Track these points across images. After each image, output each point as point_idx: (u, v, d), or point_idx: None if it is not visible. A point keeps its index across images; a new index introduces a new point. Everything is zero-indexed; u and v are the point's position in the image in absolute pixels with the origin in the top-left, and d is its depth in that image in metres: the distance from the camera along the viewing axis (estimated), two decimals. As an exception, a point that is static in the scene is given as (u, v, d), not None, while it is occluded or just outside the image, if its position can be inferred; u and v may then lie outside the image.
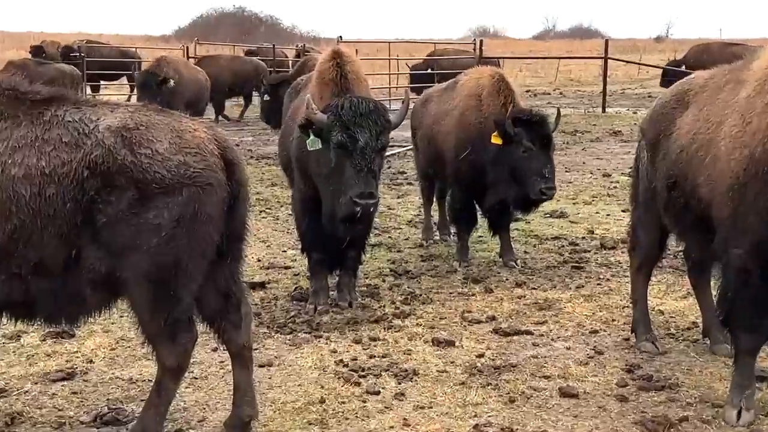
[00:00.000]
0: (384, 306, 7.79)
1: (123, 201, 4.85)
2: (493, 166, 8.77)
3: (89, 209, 4.86)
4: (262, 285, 8.37)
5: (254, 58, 31.29)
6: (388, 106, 9.41)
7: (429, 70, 29.86)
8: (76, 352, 6.73)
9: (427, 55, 31.96)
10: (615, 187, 14.07)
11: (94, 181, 4.85)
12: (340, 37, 28.64)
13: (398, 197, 13.44)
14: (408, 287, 8.40)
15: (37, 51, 29.36)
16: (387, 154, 9.00)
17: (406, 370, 6.21)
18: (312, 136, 7.08)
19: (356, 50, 27.93)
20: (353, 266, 8.12)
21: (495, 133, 8.50)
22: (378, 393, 5.85)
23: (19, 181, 4.82)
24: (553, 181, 8.60)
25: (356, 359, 6.45)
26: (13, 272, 4.88)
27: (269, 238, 10.78)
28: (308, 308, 7.76)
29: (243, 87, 27.85)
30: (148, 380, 5.92)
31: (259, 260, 9.41)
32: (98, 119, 5.03)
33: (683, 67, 27.24)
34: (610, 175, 15.30)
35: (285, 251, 10.06)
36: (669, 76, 26.72)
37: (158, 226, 4.87)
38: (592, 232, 10.68)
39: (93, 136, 4.93)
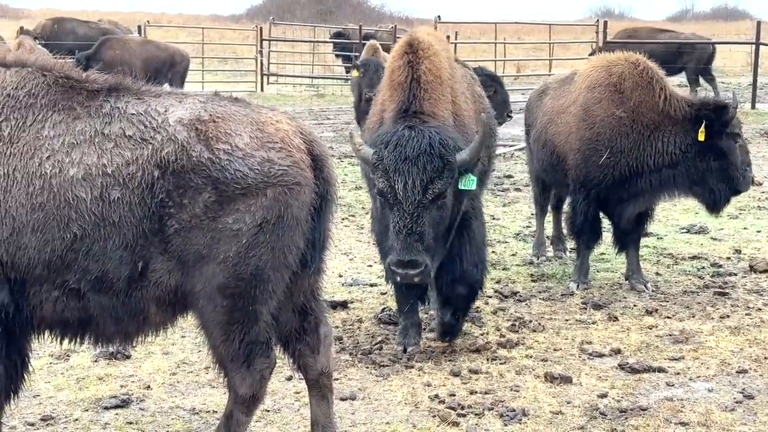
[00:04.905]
0: (487, 333, 7.74)
1: (198, 204, 4.90)
2: (672, 166, 8.79)
3: (159, 214, 4.92)
4: (344, 305, 8.41)
5: (174, 44, 30.29)
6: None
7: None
8: (132, 376, 6.82)
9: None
10: (764, 198, 13.85)
11: (164, 181, 4.90)
12: (438, 17, 28.65)
13: (504, 205, 13.44)
14: (515, 312, 8.33)
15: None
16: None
17: (514, 410, 6.15)
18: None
19: (456, 33, 28.08)
20: (462, 305, 7.51)
21: (702, 129, 8.59)
22: None
23: (78, 184, 4.89)
24: (744, 176, 8.93)
25: (454, 395, 6.42)
26: (70, 288, 4.95)
27: (352, 249, 10.86)
28: (396, 349, 7.41)
29: (155, 77, 25.96)
30: (214, 411, 6.04)
31: (340, 276, 9.47)
32: (167, 111, 5.09)
33: None
34: (761, 184, 15.00)
35: (371, 266, 10.10)
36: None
37: (238, 232, 4.91)
38: (740, 252, 10.52)
39: (162, 130, 4.98)
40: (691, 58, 29.43)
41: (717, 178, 8.72)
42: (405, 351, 7.27)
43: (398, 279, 6.40)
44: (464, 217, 6.94)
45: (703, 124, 8.56)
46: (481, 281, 7.52)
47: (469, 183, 6.53)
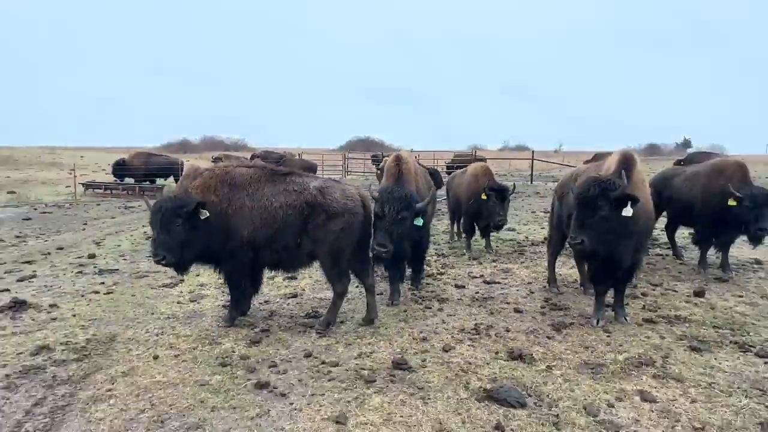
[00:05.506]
0: (432, 269, 7.65)
1: (319, 219, 4.87)
2: (483, 208, 8.44)
3: (304, 221, 4.88)
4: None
5: (311, 160, 25.63)
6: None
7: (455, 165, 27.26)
8: (297, 285, 6.79)
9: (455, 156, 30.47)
10: (537, 217, 13.41)
11: (307, 210, 4.88)
12: (412, 149, 28.31)
13: (438, 220, 13.04)
14: (444, 261, 8.24)
15: (216, 160, 26.18)
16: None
17: (443, 299, 6.17)
18: None
19: (417, 156, 27.88)
20: (419, 267, 6.62)
21: (483, 194, 8.34)
22: (430, 308, 5.83)
23: (277, 208, 4.88)
24: (505, 217, 8.33)
25: (421, 293, 6.40)
26: (273, 249, 4.92)
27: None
28: (388, 301, 5.99)
29: None
30: (327, 299, 5.99)
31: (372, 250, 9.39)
32: (309, 182, 5.03)
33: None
34: (535, 212, 14.49)
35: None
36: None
37: (334, 230, 4.87)
38: (528, 238, 10.30)
39: (307, 190, 4.96)
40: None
41: (488, 217, 8.35)
42: (392, 304, 5.91)
43: (374, 253, 5.19)
44: (420, 234, 5.97)
45: (484, 192, 8.26)
46: (425, 256, 6.71)
47: (418, 221, 5.54)
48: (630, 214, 4.66)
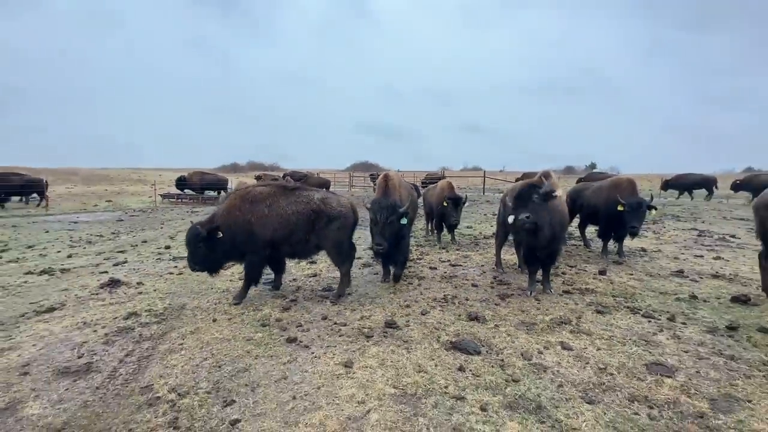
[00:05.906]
0: (413, 255, 7.33)
1: (323, 221, 4.74)
2: (445, 212, 8.01)
3: (312, 224, 4.74)
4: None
5: (325, 177, 24.37)
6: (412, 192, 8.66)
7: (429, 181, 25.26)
8: (316, 268, 6.52)
9: (427, 175, 29.07)
10: (488, 218, 13.29)
11: (313, 215, 4.75)
12: (398, 169, 28.03)
13: (417, 221, 12.87)
14: (421, 250, 7.91)
15: (258, 177, 24.31)
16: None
17: (421, 277, 5.99)
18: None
19: (402, 174, 27.63)
20: (401, 266, 5.77)
21: (444, 202, 7.99)
22: (411, 284, 5.68)
23: (290, 215, 4.72)
24: (458, 218, 7.82)
25: (406, 273, 6.16)
26: (290, 243, 4.77)
27: (367, 238, 10.34)
28: (380, 279, 5.82)
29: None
30: (336, 277, 5.90)
31: (362, 244, 9.26)
32: (314, 194, 4.86)
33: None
34: (486, 215, 14.24)
35: (371, 247, 8.95)
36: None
37: (334, 229, 4.77)
38: (482, 233, 10.16)
39: (312, 200, 4.81)
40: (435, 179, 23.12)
41: (448, 218, 8.07)
42: (384, 281, 5.75)
43: (374, 249, 5.00)
44: (402, 235, 5.51)
45: (445, 200, 8.04)
46: (407, 257, 5.91)
47: (404, 220, 5.23)
48: (558, 194, 4.77)
